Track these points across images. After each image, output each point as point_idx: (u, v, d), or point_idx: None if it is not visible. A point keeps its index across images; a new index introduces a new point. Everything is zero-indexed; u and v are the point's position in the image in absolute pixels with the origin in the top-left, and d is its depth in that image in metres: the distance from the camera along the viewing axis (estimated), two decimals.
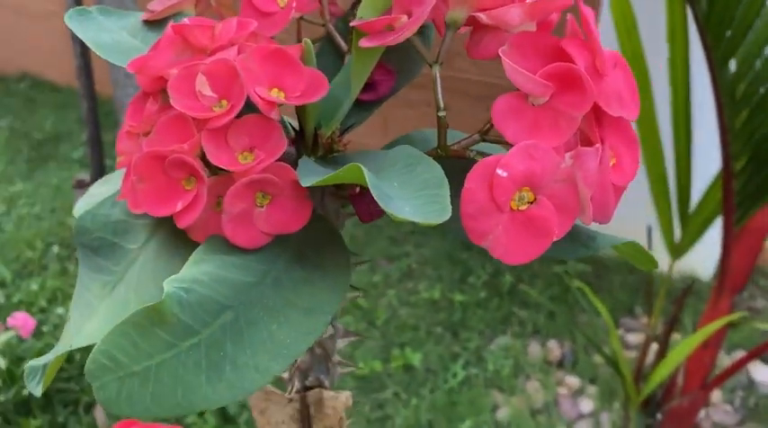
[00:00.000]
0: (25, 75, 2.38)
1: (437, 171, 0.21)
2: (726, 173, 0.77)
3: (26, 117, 2.13)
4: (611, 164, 0.24)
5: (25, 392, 1.12)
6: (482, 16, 0.23)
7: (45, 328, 1.25)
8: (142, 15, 0.32)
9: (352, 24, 0.24)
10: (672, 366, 0.89)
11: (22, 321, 1.01)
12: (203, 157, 0.24)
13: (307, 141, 0.28)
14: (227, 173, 0.23)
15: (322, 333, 0.23)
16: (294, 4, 0.28)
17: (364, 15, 0.25)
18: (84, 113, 1.34)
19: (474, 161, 0.22)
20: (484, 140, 0.25)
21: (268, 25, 0.28)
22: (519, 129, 0.23)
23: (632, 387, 0.95)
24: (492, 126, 0.24)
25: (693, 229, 0.92)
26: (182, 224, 0.23)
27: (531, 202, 0.22)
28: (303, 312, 0.23)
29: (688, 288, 0.89)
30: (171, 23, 0.26)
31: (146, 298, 0.25)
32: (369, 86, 0.30)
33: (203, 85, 0.23)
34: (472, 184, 0.21)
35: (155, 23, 0.32)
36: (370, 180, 0.20)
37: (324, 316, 0.24)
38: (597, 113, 0.23)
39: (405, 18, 0.23)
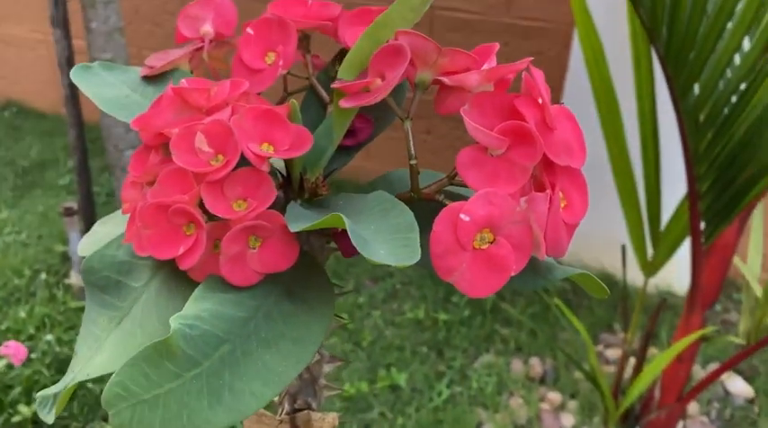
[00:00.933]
0: (9, 103, 2.39)
1: (408, 216, 0.25)
2: (691, 195, 0.81)
3: (11, 145, 2.14)
4: (561, 206, 0.27)
5: (14, 419, 1.12)
6: (445, 80, 0.26)
7: (34, 355, 1.26)
8: (141, 71, 0.35)
9: (333, 86, 0.28)
10: (648, 380, 0.92)
11: (14, 349, 1.02)
12: (201, 205, 0.27)
13: (294, 186, 0.31)
14: (224, 220, 0.26)
15: (310, 360, 0.26)
16: (281, 62, 0.31)
17: (343, 76, 0.28)
18: (72, 141, 1.37)
19: (443, 204, 0.26)
20: (452, 184, 0.28)
21: (257, 82, 0.31)
22: (480, 177, 0.26)
23: (611, 402, 0.98)
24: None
25: (665, 248, 0.96)
26: (184, 266, 0.26)
27: (491, 242, 0.25)
28: (293, 342, 0.26)
29: (661, 303, 0.93)
30: (170, 86, 0.29)
31: (149, 331, 0.28)
32: (349, 133, 0.33)
33: (202, 143, 0.26)
34: (439, 228, 0.24)
35: (153, 78, 0.35)
36: (349, 227, 0.23)
37: (311, 345, 0.27)
38: (547, 162, 0.26)
39: (379, 81, 0.27)
